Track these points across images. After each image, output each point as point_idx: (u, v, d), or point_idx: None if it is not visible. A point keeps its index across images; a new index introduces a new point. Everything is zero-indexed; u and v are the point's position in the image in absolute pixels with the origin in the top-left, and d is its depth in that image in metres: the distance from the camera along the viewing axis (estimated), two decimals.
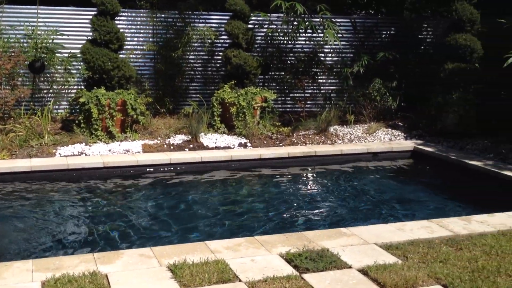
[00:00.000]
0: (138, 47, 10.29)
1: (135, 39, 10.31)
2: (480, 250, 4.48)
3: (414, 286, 3.85)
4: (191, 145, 8.45)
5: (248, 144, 8.71)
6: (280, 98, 11.00)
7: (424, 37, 11.90)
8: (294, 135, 9.32)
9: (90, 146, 8.06)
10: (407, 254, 4.40)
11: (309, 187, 7.52)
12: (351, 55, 11.18)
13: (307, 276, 4.00)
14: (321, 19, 9.90)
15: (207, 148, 8.42)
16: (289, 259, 4.28)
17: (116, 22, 9.19)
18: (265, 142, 8.89)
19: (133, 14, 10.30)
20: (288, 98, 11.10)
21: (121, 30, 9.17)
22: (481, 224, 5.18)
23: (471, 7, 9.32)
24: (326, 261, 4.22)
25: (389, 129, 9.96)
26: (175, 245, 4.61)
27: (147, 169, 7.63)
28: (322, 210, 6.49)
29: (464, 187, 7.64)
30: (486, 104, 9.42)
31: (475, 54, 9.21)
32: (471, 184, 7.64)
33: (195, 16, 10.27)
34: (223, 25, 10.10)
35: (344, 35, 11.04)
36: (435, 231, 4.96)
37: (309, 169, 8.28)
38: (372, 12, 15.53)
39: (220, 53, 10.23)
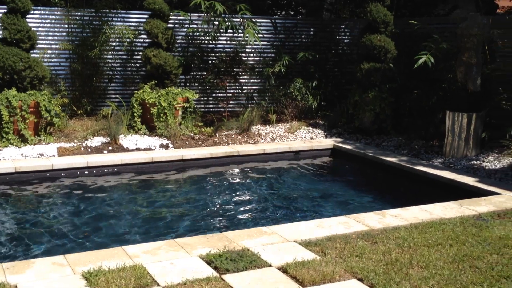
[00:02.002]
0: (53, 46, 9.87)
1: (49, 37, 9.88)
2: (394, 243, 4.64)
3: (332, 281, 3.93)
4: (110, 148, 8.21)
5: (170, 145, 8.58)
6: (202, 98, 10.93)
7: (342, 38, 12.24)
8: (217, 135, 9.29)
9: (0, 150, 7.63)
10: (325, 250, 4.48)
11: (231, 187, 7.51)
12: (272, 55, 11.29)
13: (227, 277, 3.97)
14: (241, 19, 9.92)
15: (127, 150, 8.21)
16: (209, 260, 4.23)
17: (28, 20, 8.77)
18: (187, 142, 8.80)
19: (47, 12, 9.86)
20: (211, 98, 11.05)
21: (34, 29, 8.77)
22: (395, 218, 5.38)
23: (385, 9, 9.67)
24: (247, 260, 4.21)
25: (310, 128, 10.15)
26: (90, 252, 4.44)
27: (63, 173, 7.32)
28: (244, 209, 6.50)
29: (381, 183, 7.93)
30: (400, 102, 9.82)
31: (389, 54, 9.56)
32: (387, 180, 7.94)
33: (113, 15, 9.99)
34: (142, 24, 9.90)
35: (265, 35, 11.14)
36: (352, 226, 5.09)
37: (232, 169, 8.28)
38: (292, 13, 15.81)
39: (140, 53, 10.02)
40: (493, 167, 7.43)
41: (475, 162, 7.69)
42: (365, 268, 4.11)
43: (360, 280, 3.96)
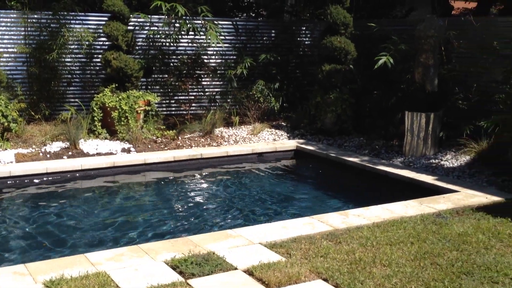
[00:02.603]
0: (9, 49, 9.61)
1: (5, 41, 9.61)
2: (357, 242, 4.71)
3: (297, 282, 3.96)
4: (70, 153, 8.05)
5: (132, 149, 8.47)
6: (164, 101, 10.84)
7: (303, 40, 12.34)
8: (180, 138, 9.23)
9: None
10: (290, 251, 4.51)
11: (195, 190, 7.47)
12: (234, 57, 11.29)
13: (193, 282, 3.95)
14: (203, 21, 9.89)
15: (87, 155, 8.07)
16: (174, 265, 4.20)
17: None
18: (149, 146, 8.71)
19: (2, 15, 9.59)
20: (173, 101, 10.97)
21: None
22: (358, 217, 5.46)
23: (344, 11, 9.80)
24: (212, 264, 4.20)
25: (273, 130, 10.20)
26: (52, 260, 4.34)
27: (21, 180, 7.13)
28: (209, 213, 6.48)
29: (344, 183, 8.03)
30: (361, 103, 9.97)
31: (349, 56, 9.70)
32: (349, 180, 8.05)
33: (71, 17, 9.79)
34: (101, 27, 9.74)
35: (226, 37, 11.13)
36: (316, 227, 5.14)
37: (195, 172, 8.23)
38: (253, 15, 15.85)
39: (99, 56, 9.85)
40: (451, 165, 7.63)
41: (433, 160, 7.88)
42: (330, 268, 4.16)
43: (325, 280, 4.01)
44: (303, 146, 9.18)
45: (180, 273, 4.08)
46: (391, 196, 6.44)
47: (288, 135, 9.97)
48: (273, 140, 9.62)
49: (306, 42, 12.36)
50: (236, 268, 4.19)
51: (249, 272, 4.11)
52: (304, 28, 12.37)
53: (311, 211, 6.29)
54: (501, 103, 7.96)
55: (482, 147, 7.69)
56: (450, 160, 7.80)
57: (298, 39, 12.24)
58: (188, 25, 9.65)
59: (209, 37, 9.38)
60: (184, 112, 10.62)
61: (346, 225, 5.20)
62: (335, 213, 5.64)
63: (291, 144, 9.36)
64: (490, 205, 5.90)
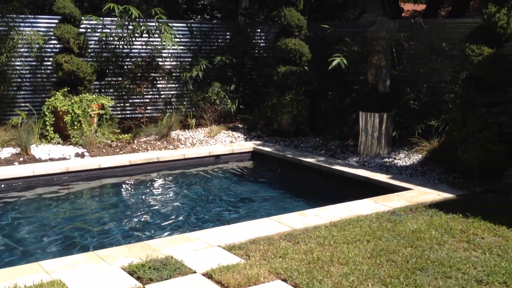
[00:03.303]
0: None
1: None
2: (315, 242, 4.77)
3: (256, 283, 3.97)
4: (22, 159, 7.82)
5: (86, 153, 8.30)
6: (118, 105, 10.66)
7: (258, 42, 12.39)
8: (135, 141, 9.11)
9: None
10: (249, 252, 4.52)
11: (152, 194, 7.39)
12: (190, 59, 11.23)
13: (150, 287, 3.91)
14: (157, 23, 9.79)
15: (39, 160, 7.86)
16: (131, 271, 4.14)
17: None
18: (104, 150, 8.55)
19: None
20: (127, 104, 10.80)
21: None
22: (315, 217, 5.52)
23: (298, 13, 9.90)
24: (170, 268, 4.16)
25: (230, 132, 10.20)
26: (3, 269, 4.20)
27: None
28: (167, 216, 6.41)
29: (301, 183, 8.10)
30: (316, 104, 10.09)
31: (304, 57, 9.80)
32: (307, 180, 8.13)
33: (21, 20, 9.50)
34: (52, 29, 9.51)
35: (181, 39, 11.05)
36: (275, 228, 5.17)
37: (152, 175, 8.14)
38: (208, 17, 15.81)
39: (51, 59, 9.61)
40: (404, 164, 7.82)
41: (387, 159, 8.06)
42: (288, 268, 4.19)
43: (284, 280, 4.03)
44: (260, 147, 9.22)
45: (138, 278, 4.03)
46: (347, 195, 6.54)
47: (245, 137, 9.99)
48: (230, 142, 9.61)
49: (261, 44, 12.42)
50: (195, 272, 4.17)
51: (208, 275, 4.10)
52: (259, 30, 12.42)
53: (270, 212, 6.33)
54: (450, 103, 8.22)
55: (433, 145, 7.92)
56: (403, 159, 7.99)
57: (253, 41, 12.29)
58: (142, 28, 9.54)
59: (164, 39, 9.30)
60: (140, 115, 10.49)
61: (304, 225, 5.25)
62: (293, 214, 5.68)
63: (248, 145, 9.38)
64: (442, 202, 6.07)
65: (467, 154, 6.89)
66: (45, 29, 9.89)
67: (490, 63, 6.61)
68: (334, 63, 8.31)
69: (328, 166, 7.90)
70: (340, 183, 7.60)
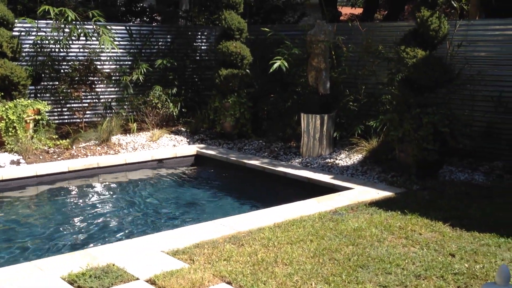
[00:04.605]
0: None
1: None
2: (259, 243, 4.79)
3: (201, 287, 3.94)
4: None
5: (22, 160, 8.00)
6: (56, 110, 10.34)
7: (199, 45, 12.34)
8: (74, 147, 8.85)
9: None
10: (193, 257, 4.49)
11: (93, 201, 7.20)
12: (129, 63, 11.05)
13: None
14: (94, 26, 9.57)
15: None
16: (72, 280, 4.02)
17: None
18: (41, 157, 8.27)
19: None
20: (65, 109, 10.49)
21: None
22: (259, 219, 5.54)
23: (239, 16, 9.94)
24: (112, 276, 4.07)
25: (173, 135, 10.10)
26: None
27: None
28: (108, 223, 6.27)
29: (245, 186, 8.13)
30: (259, 106, 10.16)
31: (245, 60, 9.85)
32: (251, 182, 8.16)
33: None
34: None
35: (120, 42, 10.85)
36: (219, 231, 5.16)
37: (93, 182, 7.94)
38: (148, 20, 15.61)
39: None
40: (345, 164, 7.99)
41: (329, 160, 8.21)
42: (233, 271, 4.19)
43: (229, 283, 4.03)
44: (203, 150, 9.17)
45: (78, 287, 3.92)
46: (291, 196, 6.62)
47: (188, 140, 9.92)
48: (173, 146, 9.52)
49: (203, 47, 12.38)
50: (137, 279, 4.09)
51: (152, 282, 4.04)
52: (200, 33, 12.38)
53: (214, 215, 6.30)
54: (387, 104, 8.49)
55: (372, 145, 8.14)
56: (344, 159, 8.17)
57: (195, 44, 12.23)
58: (79, 30, 9.31)
59: (103, 42, 9.10)
60: (78, 120, 10.21)
61: (248, 227, 5.26)
62: (237, 216, 5.69)
63: (192, 149, 9.32)
64: (381, 200, 6.25)
65: (404, 153, 7.12)
66: None
67: (423, 65, 6.86)
68: (275, 65, 8.38)
69: (271, 167, 7.97)
70: (284, 185, 7.67)
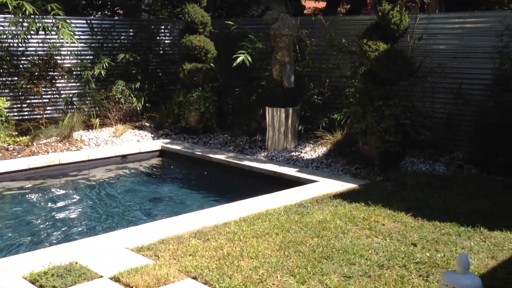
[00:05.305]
0: None
1: None
2: (225, 238, 4.78)
3: (166, 283, 3.91)
4: None
5: None
6: (15, 106, 10.06)
7: (162, 39, 12.20)
8: (35, 144, 8.65)
9: None
10: (158, 253, 4.45)
11: (55, 198, 7.05)
12: (91, 57, 10.83)
13: None
14: (53, 20, 9.35)
15: None
16: (33, 279, 3.94)
17: None
18: (0, 154, 8.04)
19: None
20: (25, 105, 10.23)
21: None
22: (225, 213, 5.53)
23: (202, 10, 9.86)
24: (75, 274, 4.00)
25: (137, 131, 9.97)
26: None
27: None
28: (71, 221, 6.15)
29: (211, 180, 8.09)
30: (224, 100, 10.13)
31: (209, 54, 9.79)
32: (217, 177, 8.13)
33: None
34: None
35: (81, 36, 10.63)
36: (185, 226, 5.13)
37: (55, 179, 7.77)
38: (109, 13, 15.33)
39: None
40: (310, 157, 8.04)
41: (294, 153, 8.25)
42: (198, 266, 4.17)
43: (195, 278, 4.01)
44: (168, 146, 9.09)
45: (40, 286, 3.84)
46: (257, 190, 6.63)
47: (152, 135, 9.81)
48: (137, 141, 9.40)
49: (166, 41, 12.24)
50: (101, 276, 4.04)
51: (116, 279, 3.98)
52: (163, 27, 12.23)
53: (179, 210, 6.26)
54: (351, 97, 8.58)
55: (336, 138, 8.22)
56: (309, 152, 8.22)
57: (158, 38, 12.08)
58: (38, 24, 9.07)
59: (62, 36, 8.90)
60: (39, 116, 9.98)
61: (214, 222, 5.25)
62: (203, 211, 5.66)
63: (156, 144, 9.22)
64: (345, 192, 6.32)
65: (367, 145, 7.22)
66: None
67: (385, 58, 6.95)
68: (239, 60, 8.35)
69: (237, 162, 7.96)
70: (250, 178, 7.68)
